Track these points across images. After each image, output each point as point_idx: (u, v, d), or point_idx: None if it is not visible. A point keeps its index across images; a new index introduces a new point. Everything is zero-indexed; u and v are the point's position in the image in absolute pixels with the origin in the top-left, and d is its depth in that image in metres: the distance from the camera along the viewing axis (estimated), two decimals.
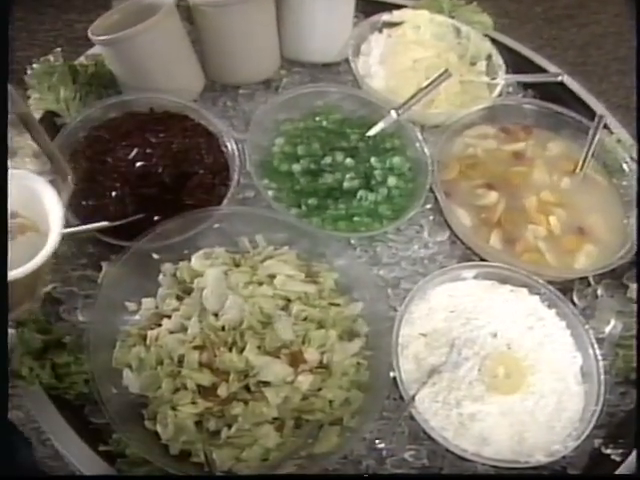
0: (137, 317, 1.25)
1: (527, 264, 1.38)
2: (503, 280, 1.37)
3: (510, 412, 1.23)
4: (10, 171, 1.07)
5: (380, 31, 1.79)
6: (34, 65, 1.50)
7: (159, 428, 1.13)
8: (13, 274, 0.98)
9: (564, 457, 1.19)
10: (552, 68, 1.82)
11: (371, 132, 1.53)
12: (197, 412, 1.14)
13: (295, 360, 1.18)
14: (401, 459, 1.19)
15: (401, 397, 1.23)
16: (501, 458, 1.18)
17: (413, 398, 1.19)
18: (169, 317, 1.22)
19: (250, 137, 1.45)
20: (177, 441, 1.13)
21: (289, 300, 1.25)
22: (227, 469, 1.12)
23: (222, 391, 1.15)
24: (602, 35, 3.55)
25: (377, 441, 1.19)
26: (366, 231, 1.40)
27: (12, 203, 1.05)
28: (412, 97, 1.54)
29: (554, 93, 1.74)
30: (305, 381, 1.16)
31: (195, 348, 1.18)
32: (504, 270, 1.37)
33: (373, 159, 1.49)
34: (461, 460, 1.19)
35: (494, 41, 1.79)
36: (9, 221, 1.05)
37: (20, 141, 1.19)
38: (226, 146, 1.44)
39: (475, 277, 1.37)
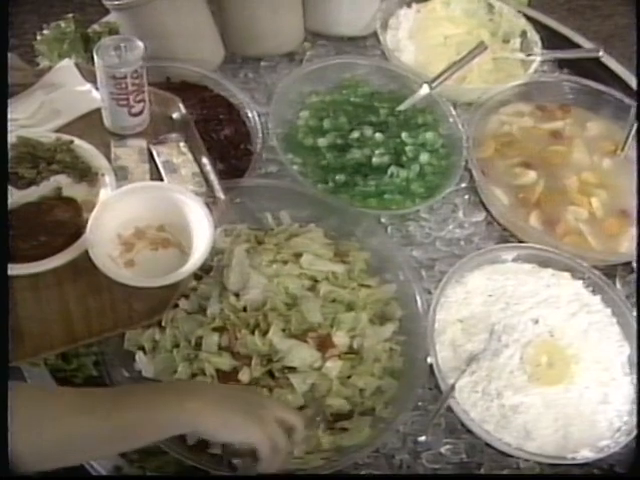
0: None
1: (571, 247, 1.28)
2: (544, 263, 1.28)
3: (554, 404, 1.13)
4: (169, 186, 1.16)
5: (409, 6, 1.70)
6: (44, 31, 1.42)
7: None
8: (148, 282, 1.05)
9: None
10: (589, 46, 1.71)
11: (402, 106, 1.45)
12: None
13: (323, 344, 1.09)
14: (437, 453, 1.09)
15: (437, 386, 1.13)
16: (545, 453, 1.09)
17: (453, 387, 1.09)
18: (186, 297, 1.13)
19: (273, 109, 1.37)
20: None
21: (316, 280, 1.16)
22: None
23: (244, 376, 1.06)
24: (626, 27, 3.44)
25: (412, 434, 1.10)
26: (397, 209, 1.31)
27: (162, 217, 1.12)
28: (446, 70, 1.45)
29: (591, 72, 1.64)
30: (334, 367, 1.07)
31: (214, 330, 1.09)
32: (546, 252, 1.27)
33: (404, 134, 1.40)
34: (502, 455, 1.10)
35: (529, 18, 1.70)
36: (155, 234, 1.13)
37: (183, 160, 1.21)
38: (248, 117, 1.36)
39: (515, 260, 1.28)
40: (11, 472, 0.76)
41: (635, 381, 1.16)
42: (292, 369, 1.06)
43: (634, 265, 1.33)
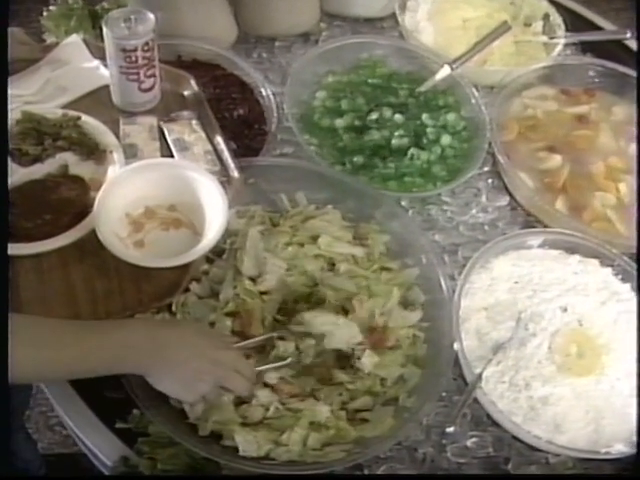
0: None
1: (599, 232, 1.23)
2: (571, 250, 1.22)
3: (585, 396, 1.08)
4: (182, 163, 1.11)
5: None
6: (51, 7, 1.37)
7: (186, 406, 0.98)
8: (158, 263, 1.01)
9: None
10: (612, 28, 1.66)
11: (423, 87, 1.40)
12: None
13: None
14: (463, 447, 1.03)
15: (461, 376, 1.08)
16: (577, 447, 1.03)
17: (480, 377, 1.03)
18: (198, 280, 1.08)
19: (289, 89, 1.32)
20: (207, 421, 0.97)
21: (333, 264, 1.10)
22: (264, 454, 0.95)
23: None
24: None
25: (436, 425, 1.04)
26: (418, 192, 1.26)
27: (173, 196, 1.08)
28: (468, 51, 1.40)
29: (615, 55, 1.58)
30: (369, 362, 1.02)
31: (227, 315, 1.04)
32: (573, 238, 1.22)
33: (425, 116, 1.35)
34: (531, 449, 1.04)
35: (551, 1, 1.65)
36: (166, 213, 1.08)
37: (196, 138, 1.17)
38: (262, 97, 1.31)
39: (541, 245, 1.23)
40: (11, 472, 0.74)
41: None
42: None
43: None
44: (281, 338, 1.02)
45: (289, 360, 1.00)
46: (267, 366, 0.99)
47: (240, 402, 0.99)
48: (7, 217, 0.99)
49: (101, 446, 0.99)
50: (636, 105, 1.44)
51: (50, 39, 1.36)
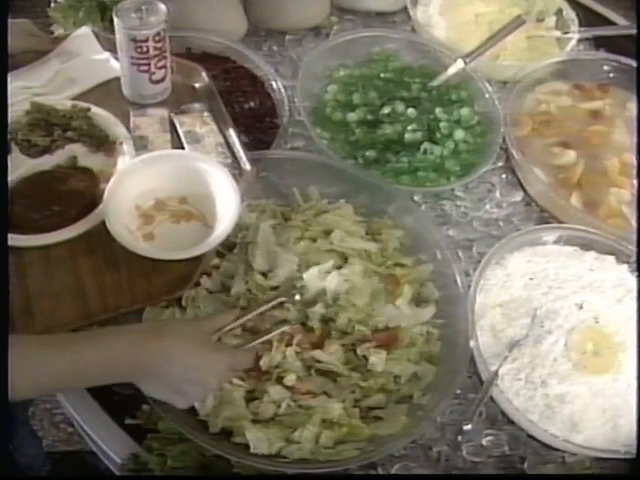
0: None
1: (615, 229, 1.21)
2: (587, 246, 1.21)
3: (602, 394, 1.06)
4: (193, 155, 1.09)
5: None
6: None
7: (196, 403, 0.96)
8: (168, 255, 0.99)
9: None
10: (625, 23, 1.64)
11: (436, 82, 1.38)
12: (244, 385, 0.97)
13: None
14: (478, 445, 1.01)
15: (475, 373, 1.06)
16: (594, 446, 1.01)
17: (496, 374, 1.02)
18: (208, 275, 1.06)
19: (300, 82, 1.30)
20: (218, 417, 0.95)
21: (346, 259, 1.08)
22: (276, 452, 0.93)
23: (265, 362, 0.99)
24: None
25: (451, 424, 1.02)
26: (432, 187, 1.24)
27: (184, 188, 1.06)
28: (481, 45, 1.38)
29: (628, 50, 1.56)
30: (379, 362, 1.00)
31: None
32: (588, 234, 1.20)
33: (438, 110, 1.33)
34: (547, 448, 1.02)
35: None
36: (177, 206, 1.07)
37: (207, 130, 1.15)
38: (273, 90, 1.30)
39: (556, 242, 1.21)
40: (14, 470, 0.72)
41: None
42: None
43: None
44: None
45: (291, 324, 0.99)
46: (268, 335, 0.98)
47: (251, 398, 0.97)
48: (7, 217, 0.97)
49: (110, 443, 0.98)
50: (636, 96, 1.43)
51: (58, 31, 1.34)
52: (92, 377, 0.86)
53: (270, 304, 1.00)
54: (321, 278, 1.02)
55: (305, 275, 1.02)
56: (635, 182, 1.32)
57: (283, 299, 1.00)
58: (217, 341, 0.95)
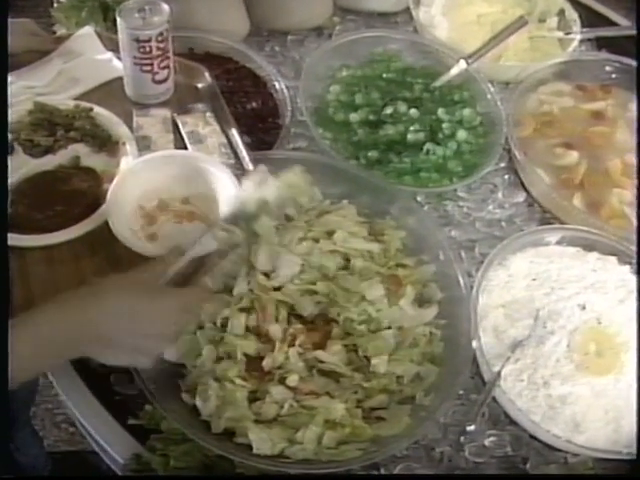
0: None
1: (617, 229, 1.22)
2: (589, 247, 1.21)
3: (604, 395, 1.06)
4: (196, 155, 1.09)
5: None
6: None
7: (198, 402, 0.96)
8: None
9: None
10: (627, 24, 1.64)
11: (438, 82, 1.38)
12: (246, 385, 0.97)
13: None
14: (481, 446, 1.01)
15: (478, 374, 1.06)
16: (596, 447, 1.02)
17: (499, 374, 1.02)
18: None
19: (303, 83, 1.30)
20: (220, 418, 0.95)
21: (348, 260, 1.08)
22: (278, 452, 0.93)
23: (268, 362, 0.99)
24: None
25: (454, 424, 1.02)
26: (434, 187, 1.24)
27: (187, 188, 1.05)
28: (484, 46, 1.38)
29: (631, 52, 1.56)
30: (381, 363, 1.00)
31: (241, 310, 1.02)
32: (591, 235, 1.20)
33: (440, 111, 1.33)
34: (549, 449, 1.02)
35: None
36: (179, 206, 1.06)
37: (210, 131, 1.15)
38: (275, 90, 1.30)
39: (559, 242, 1.21)
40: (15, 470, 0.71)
41: None
42: None
43: None
44: None
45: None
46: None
47: (254, 399, 0.97)
48: (6, 216, 0.97)
49: (113, 443, 0.97)
50: (636, 95, 1.43)
51: (60, 31, 1.34)
52: (51, 357, 0.83)
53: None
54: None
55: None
56: (637, 183, 1.32)
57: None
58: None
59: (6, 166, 1.01)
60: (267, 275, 1.05)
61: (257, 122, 1.25)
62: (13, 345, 0.76)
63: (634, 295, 1.16)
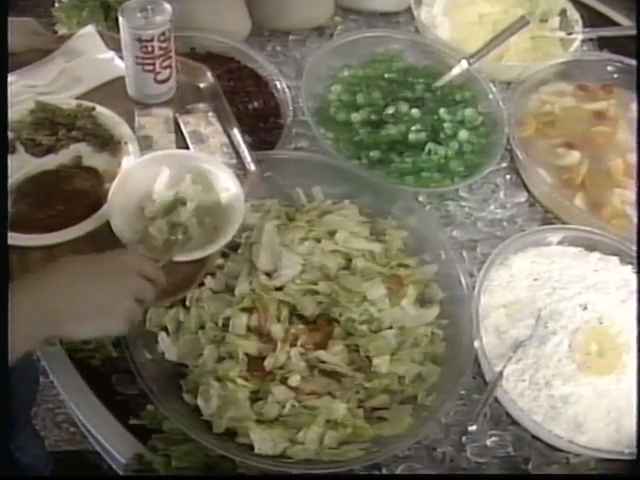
0: None
1: (619, 230, 1.22)
2: (591, 247, 1.21)
3: (606, 395, 1.06)
4: (198, 155, 1.09)
5: None
6: None
7: (200, 402, 0.96)
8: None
9: None
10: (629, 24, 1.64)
11: (440, 82, 1.38)
12: (248, 385, 0.97)
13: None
14: (483, 446, 1.01)
15: (479, 374, 1.06)
16: (598, 447, 1.02)
17: (501, 374, 1.02)
18: (212, 275, 1.06)
19: (304, 83, 1.30)
20: (222, 417, 0.95)
21: (350, 260, 1.09)
22: (280, 452, 0.93)
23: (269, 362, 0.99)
24: None
25: (455, 424, 1.02)
26: (436, 187, 1.24)
27: (189, 187, 1.04)
28: (485, 46, 1.38)
29: (633, 52, 1.55)
30: (383, 363, 1.00)
31: (243, 310, 1.02)
32: (593, 235, 1.20)
33: (442, 110, 1.33)
34: (551, 449, 1.02)
35: None
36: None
37: (212, 131, 1.15)
38: (277, 90, 1.30)
39: (560, 242, 1.21)
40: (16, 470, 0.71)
41: None
42: None
43: None
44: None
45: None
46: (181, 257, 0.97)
47: (256, 399, 0.97)
48: (6, 216, 0.97)
49: (114, 443, 0.97)
50: (636, 94, 1.43)
51: (62, 31, 1.34)
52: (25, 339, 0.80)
53: None
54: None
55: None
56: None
57: None
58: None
59: (6, 166, 1.00)
60: (269, 275, 1.05)
61: (259, 122, 1.26)
62: None
63: (635, 295, 1.16)
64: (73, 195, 1.03)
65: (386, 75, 1.41)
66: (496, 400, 1.04)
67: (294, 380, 0.96)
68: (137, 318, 0.88)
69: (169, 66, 1.13)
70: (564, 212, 1.26)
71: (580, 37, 1.53)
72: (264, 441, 0.93)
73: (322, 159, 1.20)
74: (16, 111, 1.09)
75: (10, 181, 1.02)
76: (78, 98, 1.15)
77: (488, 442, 1.02)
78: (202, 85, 1.21)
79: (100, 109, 1.12)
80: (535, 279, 1.16)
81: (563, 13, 1.60)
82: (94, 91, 1.18)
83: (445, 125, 1.32)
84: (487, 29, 1.53)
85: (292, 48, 1.47)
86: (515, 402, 1.02)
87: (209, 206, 1.05)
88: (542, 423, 1.02)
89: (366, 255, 1.09)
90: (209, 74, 1.20)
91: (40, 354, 1.03)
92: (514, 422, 1.04)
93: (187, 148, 1.11)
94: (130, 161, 1.06)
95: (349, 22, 1.55)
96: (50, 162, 1.07)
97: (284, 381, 0.97)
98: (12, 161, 1.05)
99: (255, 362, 1.00)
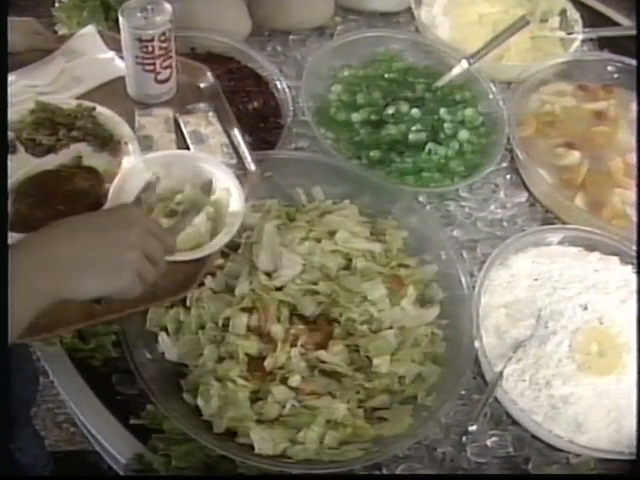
0: None
1: (619, 230, 1.21)
2: (591, 247, 1.20)
3: (606, 395, 1.06)
4: (197, 155, 1.09)
5: None
6: None
7: (200, 402, 0.96)
8: (174, 258, 0.93)
9: None
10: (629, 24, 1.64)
11: (440, 82, 1.38)
12: (248, 385, 0.97)
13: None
14: (483, 446, 1.01)
15: (479, 374, 1.06)
16: (598, 447, 1.02)
17: (501, 374, 1.02)
18: (213, 275, 1.06)
19: (304, 83, 1.30)
20: (222, 418, 0.95)
21: (350, 260, 1.09)
22: (280, 452, 0.94)
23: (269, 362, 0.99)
24: None
25: (455, 424, 1.02)
26: (436, 187, 1.24)
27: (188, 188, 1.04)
28: (486, 46, 1.38)
29: (633, 52, 1.55)
30: (383, 364, 1.00)
31: (243, 310, 1.02)
32: (593, 235, 1.20)
33: (442, 110, 1.33)
34: (551, 449, 1.02)
35: None
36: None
37: (212, 131, 1.15)
38: (277, 90, 1.30)
39: (561, 242, 1.21)
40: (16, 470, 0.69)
41: None
42: None
43: None
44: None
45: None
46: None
47: (256, 399, 0.97)
48: (6, 216, 0.97)
49: (114, 443, 0.97)
50: (636, 94, 1.43)
51: (62, 31, 1.34)
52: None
53: None
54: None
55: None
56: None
57: None
58: None
59: (6, 166, 1.00)
60: (269, 275, 1.05)
61: (259, 122, 1.25)
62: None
63: (636, 295, 1.16)
64: (73, 195, 1.03)
65: (386, 75, 1.40)
66: (496, 400, 1.04)
67: (294, 380, 0.96)
68: (149, 277, 0.84)
69: (169, 66, 1.12)
70: (564, 212, 1.26)
71: (580, 37, 1.53)
72: (264, 441, 0.93)
73: (322, 159, 1.20)
74: (16, 111, 1.08)
75: (10, 181, 1.02)
76: (78, 98, 1.15)
77: (488, 442, 1.02)
78: (202, 85, 1.21)
79: (100, 109, 1.11)
80: (535, 279, 1.16)
81: (563, 13, 1.60)
82: (94, 91, 1.18)
83: (445, 125, 1.32)
84: (487, 29, 1.53)
85: (292, 48, 1.47)
86: (515, 402, 1.02)
87: (209, 206, 1.05)
88: (542, 423, 1.02)
89: (366, 255, 1.09)
90: (209, 74, 1.20)
91: (40, 354, 1.03)
92: (514, 422, 1.03)
93: (187, 148, 1.11)
94: (130, 161, 1.06)
95: (349, 22, 1.55)
96: (50, 162, 1.07)
97: (284, 381, 0.97)
98: (12, 161, 1.04)
99: (255, 362, 1.00)
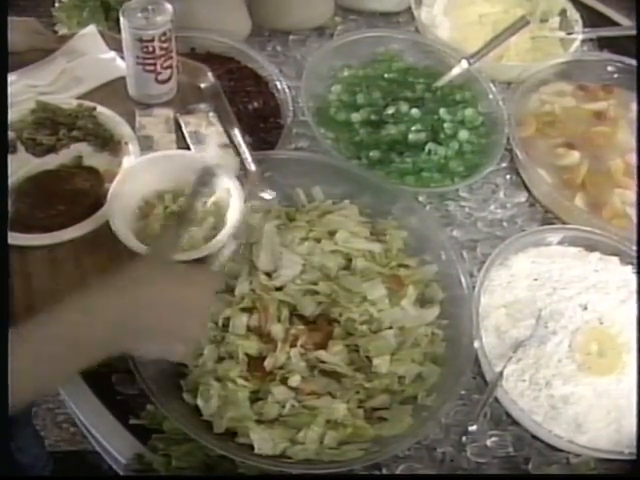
0: None
1: (619, 230, 1.21)
2: (591, 247, 1.20)
3: (606, 395, 1.05)
4: (197, 155, 1.09)
5: None
6: None
7: (200, 402, 0.96)
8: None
9: None
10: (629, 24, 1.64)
11: (440, 82, 1.38)
12: (248, 385, 0.97)
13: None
14: (483, 446, 1.01)
15: (479, 374, 1.06)
16: (598, 447, 1.01)
17: (501, 374, 1.02)
18: None
19: (304, 83, 1.30)
20: (222, 418, 0.95)
21: (350, 260, 1.09)
22: (280, 452, 0.93)
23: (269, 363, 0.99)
24: None
25: (455, 425, 1.02)
26: (436, 187, 1.24)
27: (188, 189, 1.01)
28: (485, 46, 1.38)
29: (633, 52, 1.55)
30: (383, 364, 1.00)
31: (243, 310, 1.02)
32: (593, 235, 1.20)
33: (442, 111, 1.33)
34: (551, 449, 1.02)
35: None
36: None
37: (212, 131, 1.16)
38: (277, 90, 1.30)
39: (560, 242, 1.21)
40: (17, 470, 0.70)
41: None
42: None
43: None
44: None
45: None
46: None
47: (256, 399, 0.97)
48: (6, 216, 0.97)
49: (114, 443, 0.97)
50: (636, 94, 1.43)
51: (62, 31, 1.34)
52: (77, 362, 0.78)
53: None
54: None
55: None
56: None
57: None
58: None
59: (6, 165, 1.01)
60: (269, 275, 1.05)
61: (259, 122, 1.25)
62: (29, 357, 0.72)
63: (636, 295, 1.16)
64: (73, 195, 1.03)
65: (386, 75, 1.40)
66: (496, 400, 1.03)
67: (294, 380, 0.96)
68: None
69: (170, 66, 1.13)
70: (564, 212, 1.26)
71: (580, 37, 1.53)
72: (264, 441, 0.93)
73: (322, 159, 1.20)
74: (17, 111, 1.09)
75: (10, 181, 1.02)
76: (79, 98, 1.15)
77: (488, 442, 1.01)
78: (203, 85, 1.21)
79: (101, 109, 1.12)
80: (535, 279, 1.15)
81: (563, 13, 1.60)
82: (95, 91, 1.18)
83: (445, 125, 1.32)
84: (487, 29, 1.53)
85: (292, 48, 1.47)
86: (515, 402, 1.02)
87: (209, 206, 1.05)
88: (542, 423, 1.02)
89: (366, 255, 1.09)
90: (210, 74, 1.20)
91: None
92: (514, 422, 1.03)
93: (188, 148, 1.11)
94: (130, 161, 1.06)
95: (349, 22, 1.55)
96: (51, 162, 1.07)
97: (284, 381, 0.97)
98: (13, 161, 1.05)
99: (255, 362, 1.00)
